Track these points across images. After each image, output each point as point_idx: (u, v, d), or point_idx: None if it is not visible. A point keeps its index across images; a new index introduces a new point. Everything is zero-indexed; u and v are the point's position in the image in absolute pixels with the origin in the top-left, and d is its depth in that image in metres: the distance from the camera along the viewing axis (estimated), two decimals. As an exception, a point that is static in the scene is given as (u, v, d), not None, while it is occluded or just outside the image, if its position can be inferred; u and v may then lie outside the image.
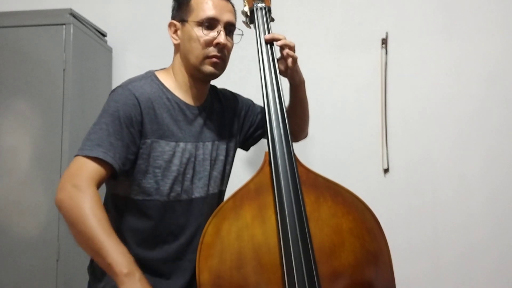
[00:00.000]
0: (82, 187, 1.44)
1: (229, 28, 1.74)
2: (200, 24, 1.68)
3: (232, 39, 1.77)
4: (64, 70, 2.51)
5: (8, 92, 2.54)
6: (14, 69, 2.55)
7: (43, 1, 2.87)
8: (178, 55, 1.77)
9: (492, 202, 2.70)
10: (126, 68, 3.00)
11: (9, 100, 2.54)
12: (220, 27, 1.69)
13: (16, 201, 2.47)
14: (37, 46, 2.54)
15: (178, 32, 1.75)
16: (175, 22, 1.76)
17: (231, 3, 1.78)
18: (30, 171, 2.49)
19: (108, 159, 1.51)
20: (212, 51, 1.69)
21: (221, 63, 1.73)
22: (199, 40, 1.68)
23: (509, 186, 2.69)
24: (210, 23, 1.69)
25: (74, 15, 2.57)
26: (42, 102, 2.52)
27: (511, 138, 2.71)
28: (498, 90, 2.73)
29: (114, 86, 2.90)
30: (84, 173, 1.48)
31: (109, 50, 2.99)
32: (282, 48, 1.82)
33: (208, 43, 1.68)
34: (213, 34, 1.69)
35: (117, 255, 1.36)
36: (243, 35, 1.80)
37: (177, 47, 1.78)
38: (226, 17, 1.71)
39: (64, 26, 2.54)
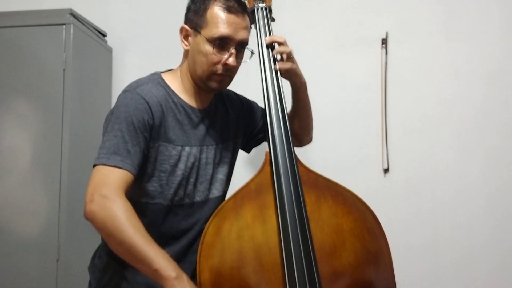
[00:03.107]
0: (112, 197, 1.43)
1: (241, 45, 1.69)
2: (212, 41, 1.63)
3: (242, 54, 1.73)
4: (64, 70, 2.51)
5: (8, 92, 2.54)
6: (14, 69, 2.55)
7: (43, 1, 2.87)
8: (186, 60, 1.74)
9: (493, 202, 2.69)
10: (126, 68, 3.00)
11: (9, 100, 2.54)
12: (232, 48, 1.65)
13: (16, 201, 2.47)
14: (37, 46, 2.55)
15: (189, 38, 1.70)
16: (187, 27, 1.70)
17: (248, 15, 1.72)
18: (30, 171, 2.49)
19: (127, 167, 1.50)
20: (220, 69, 1.66)
21: (227, 80, 1.72)
22: (208, 57, 1.64)
23: (509, 186, 2.69)
24: (222, 42, 1.63)
25: (74, 15, 2.58)
26: (42, 102, 2.52)
27: (511, 138, 2.70)
28: (498, 90, 2.73)
29: (114, 86, 2.92)
30: (111, 182, 1.46)
31: (109, 50, 2.99)
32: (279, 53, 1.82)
33: (217, 62, 1.65)
34: (223, 53, 1.65)
35: (163, 261, 1.38)
36: (254, 53, 1.77)
37: (186, 52, 1.74)
38: (240, 35, 1.66)
39: (64, 26, 2.54)
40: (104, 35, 2.95)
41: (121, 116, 1.57)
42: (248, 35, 1.71)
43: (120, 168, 1.49)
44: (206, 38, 1.63)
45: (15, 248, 2.44)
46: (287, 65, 1.80)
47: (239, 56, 1.69)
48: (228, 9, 1.63)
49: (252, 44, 1.79)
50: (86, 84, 2.67)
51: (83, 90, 2.63)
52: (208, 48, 1.63)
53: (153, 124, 1.60)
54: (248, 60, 1.75)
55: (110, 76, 2.99)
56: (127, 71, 2.97)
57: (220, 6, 1.64)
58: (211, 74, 1.67)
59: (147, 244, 1.39)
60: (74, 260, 2.46)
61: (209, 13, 1.64)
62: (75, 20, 2.57)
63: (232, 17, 1.64)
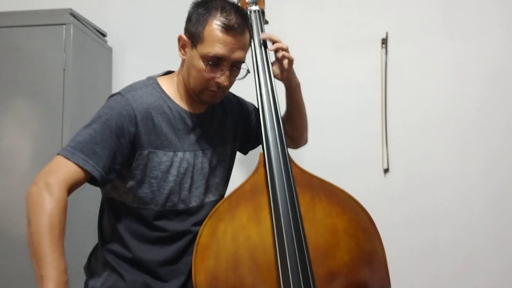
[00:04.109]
0: (52, 188, 1.43)
1: (236, 65, 1.66)
2: (206, 59, 1.59)
3: (238, 72, 1.68)
4: (64, 70, 2.51)
5: (8, 92, 2.55)
6: (14, 69, 2.55)
7: (43, 1, 2.87)
8: (182, 69, 1.73)
9: (493, 202, 2.69)
10: (126, 68, 3.00)
11: (9, 100, 2.55)
12: (226, 69, 1.62)
13: (16, 201, 2.46)
14: (37, 46, 2.55)
15: (186, 48, 1.67)
16: (184, 37, 1.67)
17: (248, 32, 1.68)
18: (30, 171, 2.49)
19: (88, 167, 1.49)
20: (212, 86, 1.64)
21: (219, 94, 1.69)
22: (201, 73, 1.61)
23: (509, 186, 2.68)
24: (216, 62, 1.60)
25: (74, 15, 2.58)
26: (42, 102, 2.52)
27: (511, 138, 2.70)
28: (499, 90, 2.72)
29: (114, 86, 2.93)
30: (61, 174, 1.46)
31: (109, 50, 2.99)
32: (276, 51, 1.80)
33: (210, 79, 1.62)
34: (216, 73, 1.62)
35: (53, 271, 1.35)
36: (249, 72, 1.72)
37: (183, 61, 1.72)
38: (235, 55, 1.61)
39: (64, 26, 2.54)
40: (104, 35, 2.95)
41: (102, 117, 1.57)
42: (245, 53, 1.67)
43: (80, 166, 1.49)
44: (200, 55, 1.60)
45: (15, 248, 2.44)
46: (287, 54, 1.79)
47: (233, 74, 1.66)
48: (227, 29, 1.58)
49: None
50: (86, 84, 2.67)
51: (83, 90, 2.63)
52: (202, 65, 1.60)
53: (135, 131, 1.59)
54: (242, 78, 1.71)
55: (110, 76, 2.99)
56: (127, 71, 2.98)
57: (219, 24, 1.58)
58: (204, 89, 1.65)
59: (50, 248, 1.36)
60: (73, 260, 2.43)
61: (207, 29, 1.59)
62: (75, 20, 2.57)
63: (230, 38, 1.59)
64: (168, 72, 1.82)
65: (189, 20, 1.68)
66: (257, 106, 1.79)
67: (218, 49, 1.59)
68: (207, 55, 1.59)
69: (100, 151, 1.52)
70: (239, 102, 1.98)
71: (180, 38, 1.69)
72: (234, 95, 1.98)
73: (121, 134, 1.56)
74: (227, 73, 1.63)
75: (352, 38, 2.86)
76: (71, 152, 1.50)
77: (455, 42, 2.77)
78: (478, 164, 2.72)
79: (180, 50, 1.70)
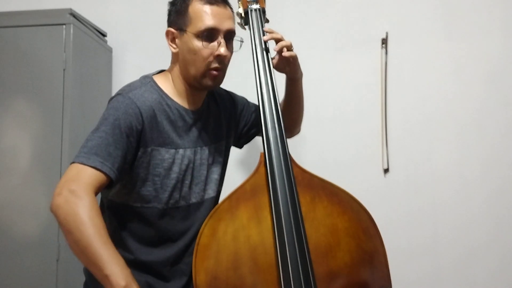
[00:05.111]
0: (80, 193, 1.40)
1: (229, 36, 1.69)
2: (200, 35, 1.63)
3: (232, 46, 1.73)
4: (64, 70, 2.51)
5: (8, 92, 2.55)
6: (14, 69, 2.55)
7: (43, 1, 2.87)
8: (176, 63, 1.74)
9: (492, 202, 2.69)
10: (126, 68, 3.00)
11: (9, 100, 2.54)
12: (220, 38, 1.65)
13: (16, 201, 2.47)
14: (37, 46, 2.55)
15: (177, 40, 1.70)
16: (172, 30, 1.71)
17: (229, 7, 1.72)
18: (30, 171, 2.50)
19: (105, 169, 1.47)
20: (213, 63, 1.66)
21: (221, 75, 1.71)
22: (199, 53, 1.64)
23: (509, 186, 2.68)
24: (209, 34, 1.64)
25: (74, 15, 2.58)
26: (42, 102, 2.52)
27: (511, 138, 2.70)
28: (498, 90, 2.72)
29: (114, 86, 2.92)
30: (83, 179, 1.43)
31: (109, 50, 2.99)
32: (281, 51, 1.81)
33: (209, 55, 1.65)
34: (213, 45, 1.65)
35: (115, 267, 1.33)
36: (243, 41, 1.77)
37: (175, 55, 1.74)
38: (226, 25, 1.66)
39: (64, 26, 2.54)
40: (104, 35, 2.95)
41: (109, 118, 1.56)
42: (234, 24, 1.72)
43: (98, 169, 1.46)
44: (193, 34, 1.63)
45: (15, 248, 2.45)
46: (292, 53, 1.82)
47: (229, 48, 1.70)
48: (209, 2, 1.65)
49: (247, 46, 1.79)
50: (86, 84, 2.67)
51: (83, 90, 2.63)
52: (197, 43, 1.64)
53: (142, 129, 1.59)
54: (238, 49, 1.76)
55: (110, 76, 2.99)
56: (127, 71, 2.98)
57: (200, 0, 1.65)
58: (205, 71, 1.67)
59: (103, 247, 1.34)
60: (74, 260, 2.42)
61: (191, 9, 1.65)
62: (75, 20, 2.57)
63: (215, 8, 1.65)
64: (160, 72, 1.82)
65: (170, 14, 1.75)
66: (257, 106, 1.79)
67: (208, 21, 1.64)
68: (199, 30, 1.64)
69: (114, 152, 1.51)
70: (231, 97, 1.99)
71: (167, 32, 1.73)
72: (226, 90, 2.00)
73: (130, 133, 1.56)
74: (223, 42, 1.66)
75: (352, 38, 2.86)
76: (86, 157, 1.47)
77: (455, 42, 2.77)
78: (477, 164, 2.72)
79: (170, 45, 1.73)
